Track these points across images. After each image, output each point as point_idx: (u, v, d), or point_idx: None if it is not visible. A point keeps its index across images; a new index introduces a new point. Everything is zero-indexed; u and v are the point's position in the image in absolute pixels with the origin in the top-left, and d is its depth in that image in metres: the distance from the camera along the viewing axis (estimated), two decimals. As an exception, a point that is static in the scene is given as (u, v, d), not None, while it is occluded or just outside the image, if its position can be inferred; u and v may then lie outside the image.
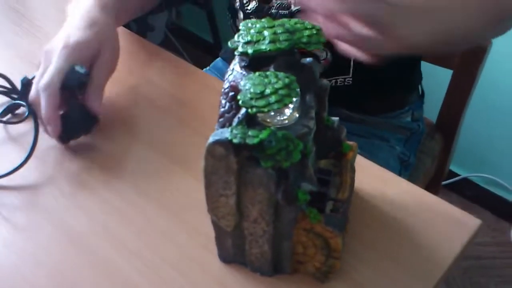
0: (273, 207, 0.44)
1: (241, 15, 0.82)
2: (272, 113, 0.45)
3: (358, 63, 0.80)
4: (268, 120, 0.45)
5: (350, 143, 0.56)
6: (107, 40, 0.65)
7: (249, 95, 0.39)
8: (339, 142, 0.54)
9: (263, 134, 0.39)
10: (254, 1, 0.78)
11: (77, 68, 0.60)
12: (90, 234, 0.54)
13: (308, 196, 0.44)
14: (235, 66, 0.45)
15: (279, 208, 0.44)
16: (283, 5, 0.75)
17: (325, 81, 0.50)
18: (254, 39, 0.42)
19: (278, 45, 0.42)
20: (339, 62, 0.77)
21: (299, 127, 0.44)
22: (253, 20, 0.44)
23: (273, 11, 0.77)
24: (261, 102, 0.38)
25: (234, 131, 0.40)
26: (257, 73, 0.40)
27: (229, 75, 0.45)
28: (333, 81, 0.79)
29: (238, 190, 0.43)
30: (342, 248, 0.47)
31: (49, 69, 0.60)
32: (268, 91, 0.39)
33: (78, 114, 0.61)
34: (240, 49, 0.42)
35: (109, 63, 0.64)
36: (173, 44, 1.85)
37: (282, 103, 0.38)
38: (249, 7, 0.80)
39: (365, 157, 0.60)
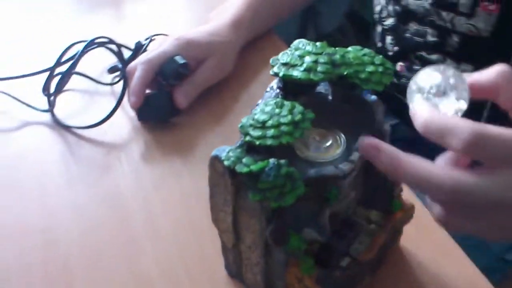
0: (264, 241, 0.41)
1: (379, 28, 0.76)
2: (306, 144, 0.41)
3: (492, 114, 0.66)
4: (303, 150, 0.41)
5: (408, 202, 0.49)
6: (220, 52, 0.66)
7: (251, 121, 0.36)
8: (389, 197, 0.47)
9: (256, 166, 0.36)
10: (392, 18, 0.72)
11: (177, 58, 0.63)
12: (131, 204, 0.56)
13: (303, 244, 0.40)
14: (274, 85, 0.42)
15: (269, 245, 0.41)
16: (419, 32, 0.67)
17: (387, 125, 0.44)
18: (292, 62, 0.38)
19: (311, 75, 0.37)
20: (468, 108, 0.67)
21: (332, 168, 0.39)
22: (306, 41, 0.40)
23: (407, 35, 0.70)
24: (256, 132, 0.35)
25: (230, 153, 0.37)
26: (274, 101, 0.37)
27: (267, 91, 0.43)
28: None
29: (234, 211, 0.41)
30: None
31: (155, 50, 0.65)
32: (270, 122, 0.35)
33: (162, 100, 0.63)
34: (275, 69, 0.39)
35: (213, 71, 0.66)
36: (348, 33, 1.79)
37: (278, 140, 0.34)
38: (385, 23, 0.74)
39: None
